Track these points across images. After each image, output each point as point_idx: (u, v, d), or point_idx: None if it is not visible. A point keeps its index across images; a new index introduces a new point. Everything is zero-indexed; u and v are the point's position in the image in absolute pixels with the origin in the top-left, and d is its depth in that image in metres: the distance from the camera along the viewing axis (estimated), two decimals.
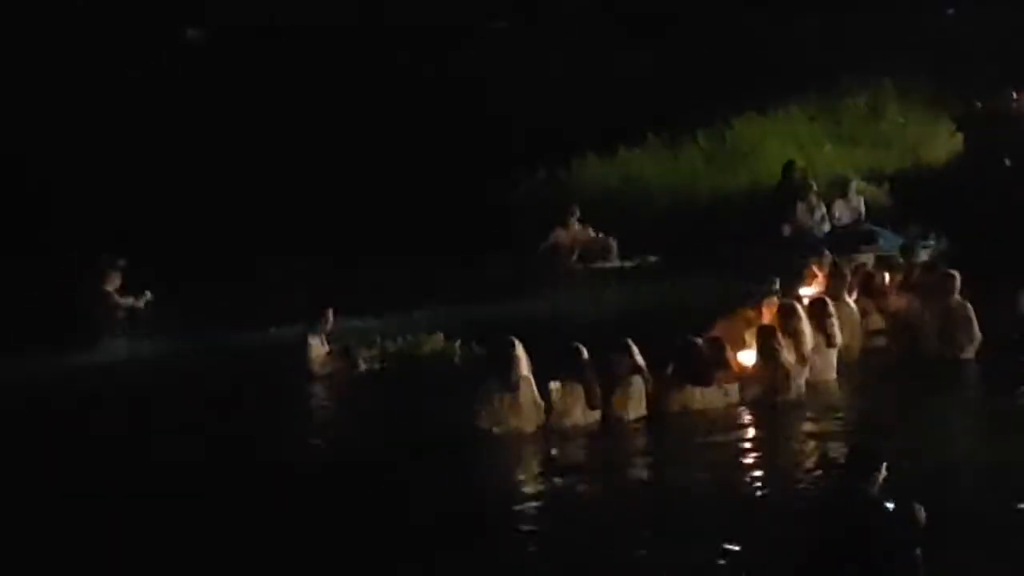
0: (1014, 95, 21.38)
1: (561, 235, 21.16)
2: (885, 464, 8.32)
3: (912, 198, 20.73)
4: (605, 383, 12.47)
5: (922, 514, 8.08)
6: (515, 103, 24.17)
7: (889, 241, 19.01)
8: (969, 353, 13.98)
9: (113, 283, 18.80)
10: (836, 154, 22.66)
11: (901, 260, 16.12)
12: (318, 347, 14.69)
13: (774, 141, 23.02)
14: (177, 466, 11.52)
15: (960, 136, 21.96)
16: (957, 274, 14.30)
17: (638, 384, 12.54)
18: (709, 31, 25.33)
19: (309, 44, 25.65)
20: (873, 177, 21.61)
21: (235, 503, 10.67)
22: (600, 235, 21.14)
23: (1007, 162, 20.63)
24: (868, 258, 17.21)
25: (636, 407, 12.53)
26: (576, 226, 21.28)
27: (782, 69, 23.78)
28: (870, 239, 19.44)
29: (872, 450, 8.62)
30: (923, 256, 18.08)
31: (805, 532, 8.49)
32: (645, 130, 23.67)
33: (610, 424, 12.38)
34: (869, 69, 24.10)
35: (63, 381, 15.03)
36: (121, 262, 18.86)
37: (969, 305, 14.03)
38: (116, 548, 9.73)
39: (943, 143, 22.37)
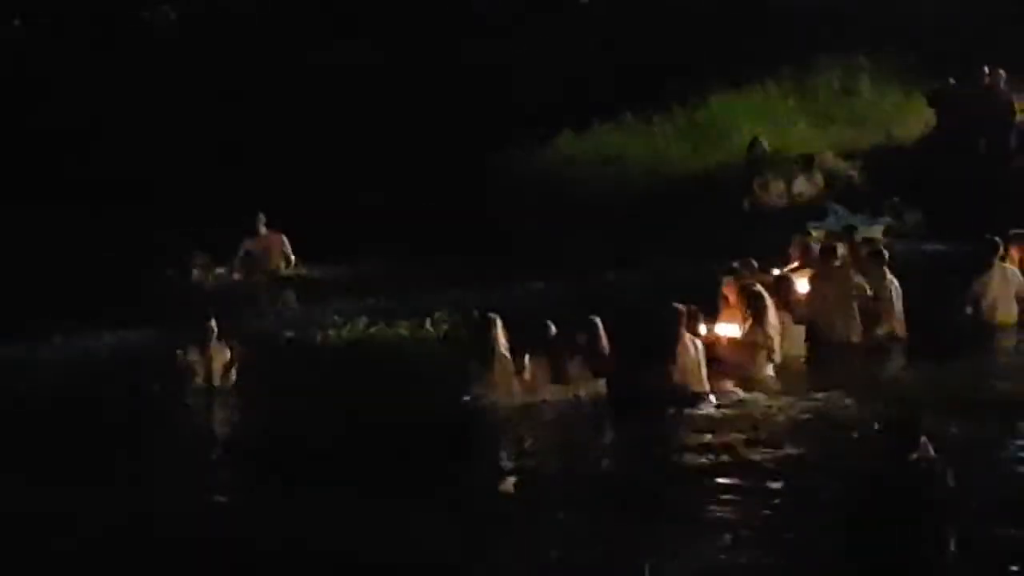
0: (986, 71, 21.51)
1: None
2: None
3: (885, 174, 20.89)
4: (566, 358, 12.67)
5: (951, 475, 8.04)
6: (489, 80, 24.27)
7: (841, 218, 19.09)
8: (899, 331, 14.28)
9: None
10: (810, 131, 22.80)
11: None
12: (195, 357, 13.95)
13: (749, 118, 23.16)
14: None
15: (933, 112, 22.11)
16: (885, 252, 14.75)
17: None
18: (685, 7, 25.41)
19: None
20: (847, 153, 21.76)
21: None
22: None
23: (982, 143, 20.83)
24: (818, 235, 17.36)
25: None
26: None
27: (757, 46, 23.89)
28: (819, 215, 19.50)
29: (911, 417, 8.35)
30: (875, 233, 18.35)
31: (853, 504, 8.33)
32: (621, 106, 23.78)
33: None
34: (843, 46, 24.25)
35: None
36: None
37: (895, 282, 14.34)
38: None
39: (916, 119, 22.54)
